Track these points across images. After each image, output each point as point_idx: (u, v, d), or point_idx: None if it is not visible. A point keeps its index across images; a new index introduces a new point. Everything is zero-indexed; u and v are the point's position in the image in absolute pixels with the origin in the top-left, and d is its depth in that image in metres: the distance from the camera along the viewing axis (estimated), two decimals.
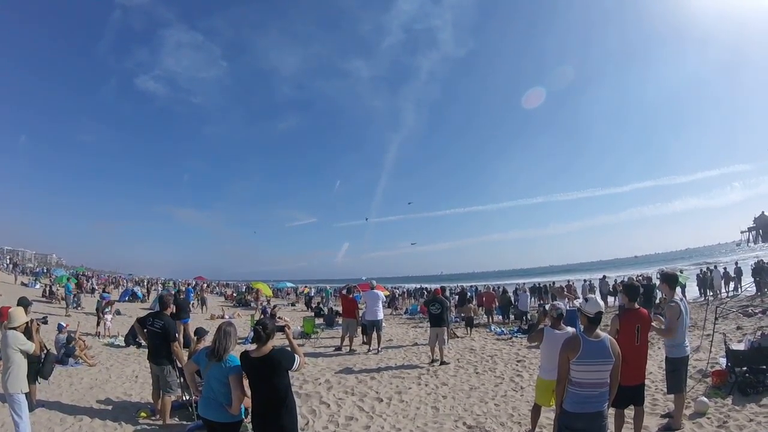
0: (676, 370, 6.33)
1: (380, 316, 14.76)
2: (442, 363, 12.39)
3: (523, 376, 10.83)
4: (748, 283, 24.44)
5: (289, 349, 4.82)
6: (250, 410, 4.89)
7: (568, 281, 32.45)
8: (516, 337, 17.29)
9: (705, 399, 7.43)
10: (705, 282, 25.62)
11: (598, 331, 4.37)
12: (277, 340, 4.87)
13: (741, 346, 8.97)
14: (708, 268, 27.20)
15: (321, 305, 30.43)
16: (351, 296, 16.48)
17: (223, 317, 24.50)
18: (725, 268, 27.43)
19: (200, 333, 8.95)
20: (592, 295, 4.76)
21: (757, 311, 16.81)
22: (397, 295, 38.53)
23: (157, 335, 7.61)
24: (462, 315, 20.81)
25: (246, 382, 4.67)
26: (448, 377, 10.97)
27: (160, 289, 42.86)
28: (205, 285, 53.74)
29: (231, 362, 4.62)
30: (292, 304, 40.31)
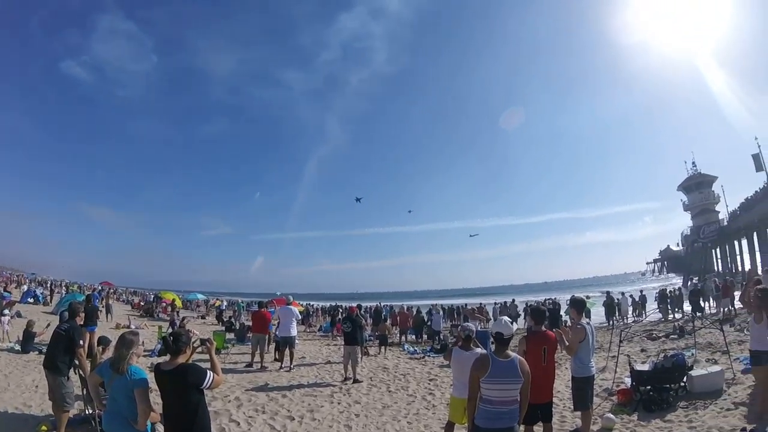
0: (581, 389, 6.71)
1: (293, 332, 14.60)
2: (355, 381, 12.45)
3: (435, 395, 11.07)
4: (652, 309, 26.37)
5: (200, 364, 4.68)
6: (157, 426, 4.73)
7: (481, 303, 33.43)
8: (429, 356, 17.58)
9: (611, 416, 7.97)
10: (611, 307, 26.92)
11: (508, 351, 4.60)
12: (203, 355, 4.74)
13: (645, 367, 9.64)
14: (610, 295, 28.62)
15: (233, 319, 29.61)
16: (262, 310, 16.20)
17: (129, 327, 23.32)
18: (632, 296, 29.46)
19: (104, 342, 8.54)
20: (502, 317, 5.01)
21: (660, 335, 17.89)
22: (311, 312, 38.20)
23: (60, 338, 7.21)
24: (377, 333, 20.91)
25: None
26: (360, 395, 11.04)
27: (64, 292, 40.65)
28: (112, 291, 51.18)
29: (136, 374, 4.47)
30: (203, 317, 39.05)
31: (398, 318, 24.64)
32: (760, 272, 27.80)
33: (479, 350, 6.11)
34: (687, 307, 25.52)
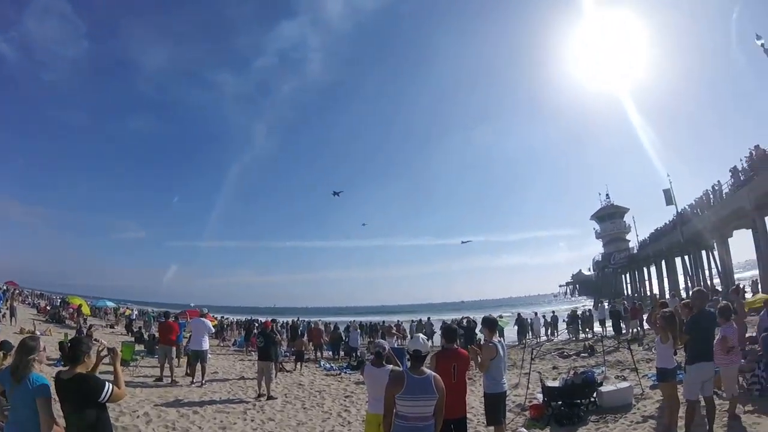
0: (494, 405, 6.87)
1: (205, 346, 14.11)
2: (269, 398, 12.19)
3: (351, 411, 11.02)
4: (563, 329, 27.48)
5: (105, 376, 4.40)
6: None
7: (398, 321, 33.63)
8: (345, 373, 17.46)
9: (524, 430, 8.23)
10: (523, 327, 27.75)
11: (423, 368, 4.67)
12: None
13: (556, 383, 10.00)
14: (521, 316, 29.63)
15: (142, 330, 28.31)
16: (169, 321, 15.61)
17: (33, 332, 21.79)
18: (544, 316, 30.54)
19: (6, 347, 7.88)
20: (419, 335, 5.11)
21: (571, 353, 18.51)
22: (225, 326, 36.99)
23: None
24: (293, 349, 20.62)
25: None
26: (275, 412, 10.82)
27: None
28: (17, 292, 47.77)
29: (37, 382, 4.14)
30: (111, 326, 36.81)
31: (313, 333, 24.40)
32: (666, 297, 29.51)
33: (390, 367, 6.11)
34: (597, 327, 26.79)
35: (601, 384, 10.28)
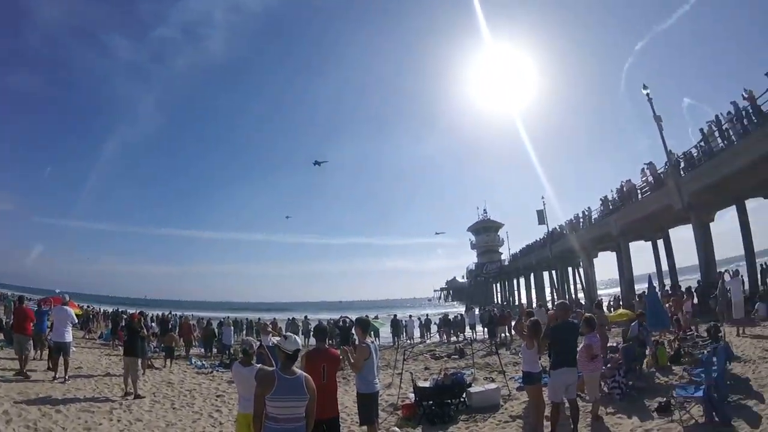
0: (366, 404, 6.87)
1: (68, 338, 12.83)
2: (137, 397, 11.37)
3: (222, 412, 10.60)
4: (435, 332, 28.48)
5: None
6: None
7: (274, 318, 33.09)
8: (217, 371, 16.84)
9: (397, 429, 8.32)
10: (397, 328, 28.21)
11: (294, 368, 4.57)
12: None
13: (428, 384, 10.25)
14: (396, 317, 30.02)
15: (2, 316, 25.49)
16: (23, 306, 14.31)
17: None
18: (419, 318, 31.40)
19: None
20: (291, 334, 5.03)
21: (442, 355, 18.97)
22: (91, 316, 34.30)
23: None
24: (162, 345, 19.69)
25: None
26: (142, 412, 10.14)
27: None
28: None
29: None
30: None
31: (184, 328, 23.37)
32: (533, 307, 31.18)
33: (258, 366, 5.96)
34: (468, 332, 27.74)
35: (470, 385, 10.66)
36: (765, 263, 30.68)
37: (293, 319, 31.84)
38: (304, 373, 4.60)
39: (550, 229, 46.78)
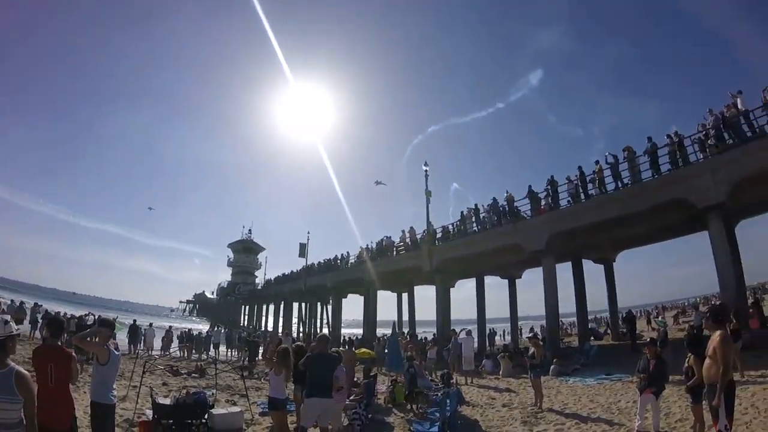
0: (102, 417, 5.90)
1: None
2: None
3: None
4: (175, 346, 27.07)
5: None
6: None
7: None
8: None
9: None
10: (135, 335, 26.18)
11: (8, 360, 3.72)
12: None
13: (167, 401, 9.51)
14: (136, 323, 27.76)
15: None
16: None
17: None
18: (163, 328, 29.74)
19: None
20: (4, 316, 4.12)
21: (183, 372, 17.96)
22: None
23: None
24: None
25: None
26: None
27: None
28: None
29: None
30: None
31: None
32: (280, 334, 31.42)
33: None
34: (212, 351, 26.89)
35: (212, 406, 10.09)
36: (493, 329, 35.32)
37: (21, 303, 26.78)
38: (19, 368, 3.70)
39: (308, 264, 47.61)
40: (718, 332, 5.91)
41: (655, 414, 8.59)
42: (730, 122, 17.71)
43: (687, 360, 7.73)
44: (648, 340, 12.52)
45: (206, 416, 9.33)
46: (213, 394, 12.27)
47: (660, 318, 30.19)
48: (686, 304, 64.32)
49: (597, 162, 22.59)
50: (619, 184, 21.29)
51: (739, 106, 17.75)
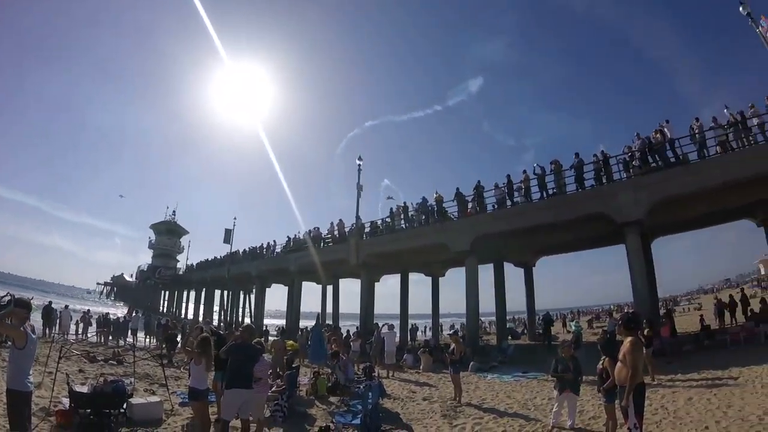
0: (18, 405, 5.62)
1: None
2: None
3: None
4: (93, 331, 26.06)
5: None
6: None
7: None
8: None
9: None
10: (50, 318, 24.95)
11: None
12: None
13: (85, 389, 9.14)
14: (51, 305, 26.49)
15: None
16: None
17: None
18: (81, 311, 28.63)
19: None
20: None
21: (100, 359, 17.36)
22: None
23: None
24: None
25: None
26: None
27: None
28: None
29: None
30: None
31: None
32: (200, 322, 30.75)
33: None
34: (130, 337, 26.06)
35: (131, 395, 9.77)
36: (415, 324, 35.84)
37: None
38: None
39: (233, 251, 46.90)
40: (629, 338, 6.38)
41: (572, 411, 9.09)
42: (656, 147, 19.23)
43: (601, 362, 8.11)
44: (562, 341, 13.04)
45: (125, 406, 9.09)
46: (131, 382, 11.81)
47: (575, 322, 31.41)
48: (600, 310, 68.19)
49: (525, 171, 23.58)
50: (544, 195, 22.33)
51: (666, 133, 19.27)
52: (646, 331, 13.78)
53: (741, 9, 18.38)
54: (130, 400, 9.30)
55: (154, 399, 10.05)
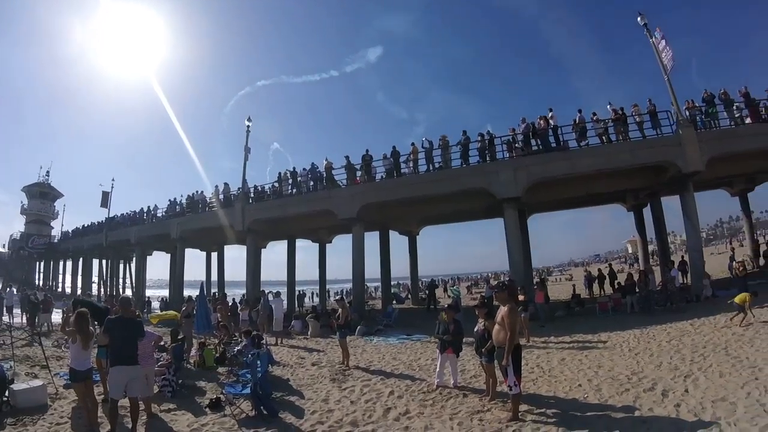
0: None
1: None
2: None
3: None
4: None
5: None
6: None
7: None
8: None
9: None
10: None
11: None
12: None
13: None
14: None
15: None
16: None
17: None
18: None
19: None
20: None
21: None
22: None
23: None
24: None
25: None
26: None
27: None
28: None
29: None
30: None
31: None
32: (78, 294, 28.93)
33: None
34: (5, 315, 23.86)
35: (12, 381, 9.15)
36: (302, 291, 35.93)
37: None
38: None
39: (111, 215, 43.95)
40: (507, 304, 6.92)
41: (454, 371, 9.74)
42: (539, 132, 21.03)
43: (478, 324, 8.65)
44: (445, 306, 13.65)
45: (7, 393, 8.48)
46: (11, 367, 11.03)
47: (455, 287, 33.00)
48: (479, 277, 71.40)
49: (413, 144, 24.55)
50: (431, 167, 23.40)
51: (550, 121, 21.07)
52: (521, 297, 14.91)
53: (639, 19, 20.83)
54: (11, 386, 8.69)
55: (37, 383, 9.26)
